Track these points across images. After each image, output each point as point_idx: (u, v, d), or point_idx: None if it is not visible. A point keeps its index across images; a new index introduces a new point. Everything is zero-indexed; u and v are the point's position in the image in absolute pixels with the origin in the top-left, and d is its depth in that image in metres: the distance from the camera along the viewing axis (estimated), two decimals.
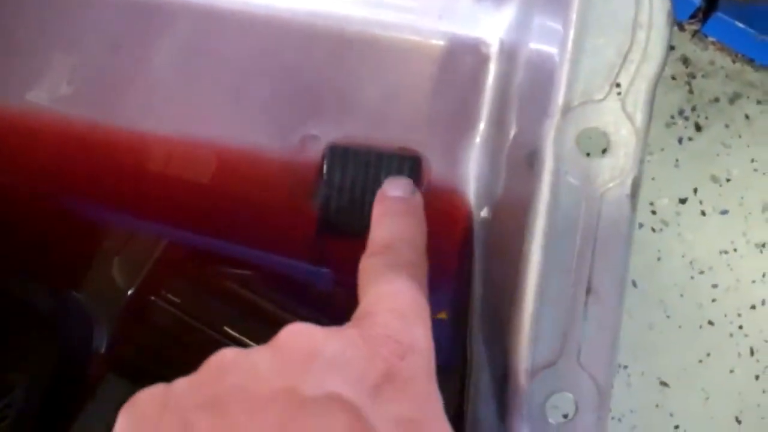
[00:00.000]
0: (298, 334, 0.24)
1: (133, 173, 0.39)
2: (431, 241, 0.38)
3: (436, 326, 0.39)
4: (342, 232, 0.38)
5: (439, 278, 0.39)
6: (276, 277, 0.41)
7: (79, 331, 0.42)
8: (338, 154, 0.37)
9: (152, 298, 0.41)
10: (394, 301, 0.27)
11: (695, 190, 0.90)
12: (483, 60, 0.37)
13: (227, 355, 0.24)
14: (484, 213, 0.37)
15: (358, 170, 0.37)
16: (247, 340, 0.41)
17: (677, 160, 0.90)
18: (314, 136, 0.38)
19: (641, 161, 0.29)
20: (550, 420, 0.28)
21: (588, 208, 0.28)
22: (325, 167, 0.37)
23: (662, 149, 0.90)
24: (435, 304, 0.39)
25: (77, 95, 0.38)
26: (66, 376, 0.42)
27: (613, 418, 0.88)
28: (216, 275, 0.41)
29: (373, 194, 0.35)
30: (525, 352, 0.28)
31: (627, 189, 0.28)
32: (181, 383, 0.24)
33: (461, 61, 0.37)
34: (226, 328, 0.42)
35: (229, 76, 0.38)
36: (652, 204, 0.89)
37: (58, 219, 0.40)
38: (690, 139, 0.91)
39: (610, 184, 0.28)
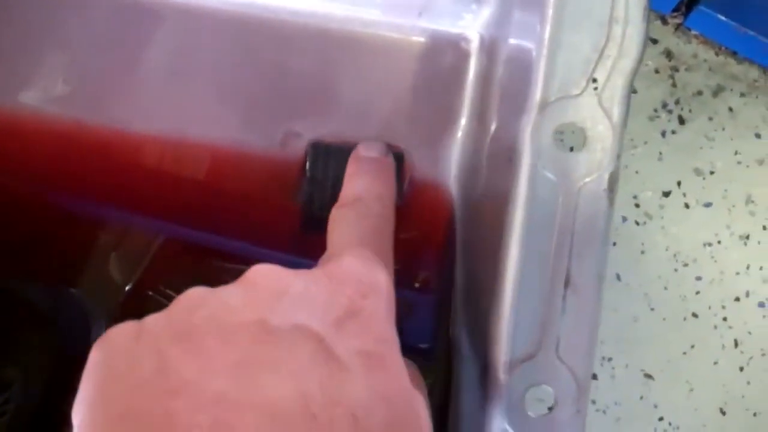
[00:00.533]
0: (266, 274, 0.25)
1: (123, 171, 0.39)
2: (414, 235, 0.38)
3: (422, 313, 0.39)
4: (326, 228, 0.38)
5: (422, 271, 0.39)
6: None
7: (77, 328, 0.42)
8: (321, 151, 0.37)
9: (150, 293, 0.41)
10: (359, 246, 0.28)
11: (679, 183, 0.91)
12: (464, 56, 0.37)
13: (197, 291, 0.25)
14: (466, 207, 0.37)
15: (341, 167, 0.37)
16: None
17: (661, 154, 0.91)
18: (297, 134, 0.38)
19: (618, 156, 0.29)
20: (530, 413, 0.28)
21: (565, 203, 0.29)
22: (307, 164, 0.37)
23: (646, 142, 0.91)
24: (418, 299, 0.40)
25: (67, 95, 0.38)
26: (64, 372, 0.42)
27: (597, 410, 0.88)
28: (213, 270, 0.41)
29: None
30: (504, 345, 0.29)
31: (604, 184, 0.29)
32: (153, 319, 0.24)
33: (442, 57, 0.37)
34: None
35: (212, 74, 0.38)
36: (635, 197, 0.90)
37: (54, 217, 0.40)
38: (673, 132, 0.91)
39: (587, 179, 0.29)
